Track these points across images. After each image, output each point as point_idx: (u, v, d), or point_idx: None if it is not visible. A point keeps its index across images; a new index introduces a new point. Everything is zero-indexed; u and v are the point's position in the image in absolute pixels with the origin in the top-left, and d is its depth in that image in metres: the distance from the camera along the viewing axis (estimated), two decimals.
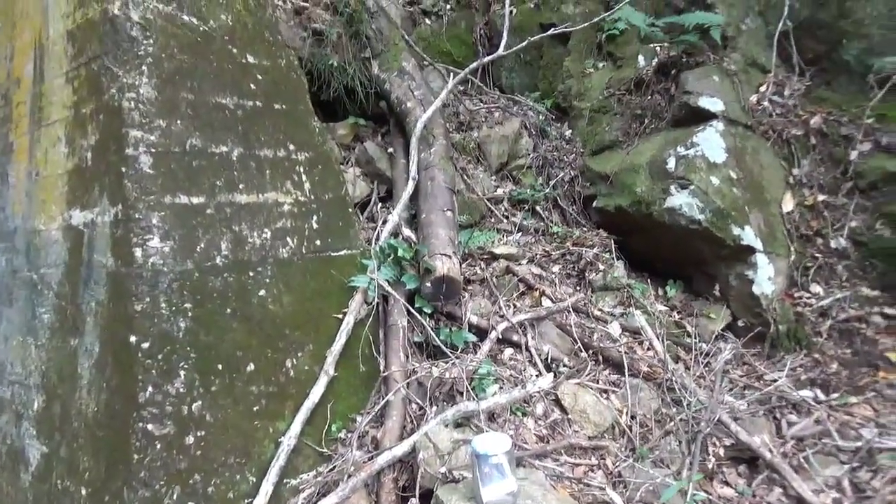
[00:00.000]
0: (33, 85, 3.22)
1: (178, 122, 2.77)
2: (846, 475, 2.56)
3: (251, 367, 2.64)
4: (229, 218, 2.78)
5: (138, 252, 2.47)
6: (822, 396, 3.06)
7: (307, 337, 2.87)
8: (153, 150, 2.63)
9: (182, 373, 2.42)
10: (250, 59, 3.21)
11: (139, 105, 2.67)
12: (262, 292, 2.78)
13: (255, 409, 2.60)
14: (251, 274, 2.77)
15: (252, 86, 3.15)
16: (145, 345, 2.38)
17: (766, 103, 3.96)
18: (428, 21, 5.91)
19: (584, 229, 4.14)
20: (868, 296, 3.44)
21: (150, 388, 2.34)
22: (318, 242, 3.09)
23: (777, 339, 3.38)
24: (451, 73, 4.52)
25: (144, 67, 2.75)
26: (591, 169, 4.31)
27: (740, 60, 4.13)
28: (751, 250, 3.50)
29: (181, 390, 2.40)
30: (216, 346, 2.55)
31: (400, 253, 3.17)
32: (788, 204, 3.73)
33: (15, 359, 3.04)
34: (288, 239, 2.97)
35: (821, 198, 3.71)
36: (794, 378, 3.17)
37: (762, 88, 4.05)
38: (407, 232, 3.46)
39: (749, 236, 3.49)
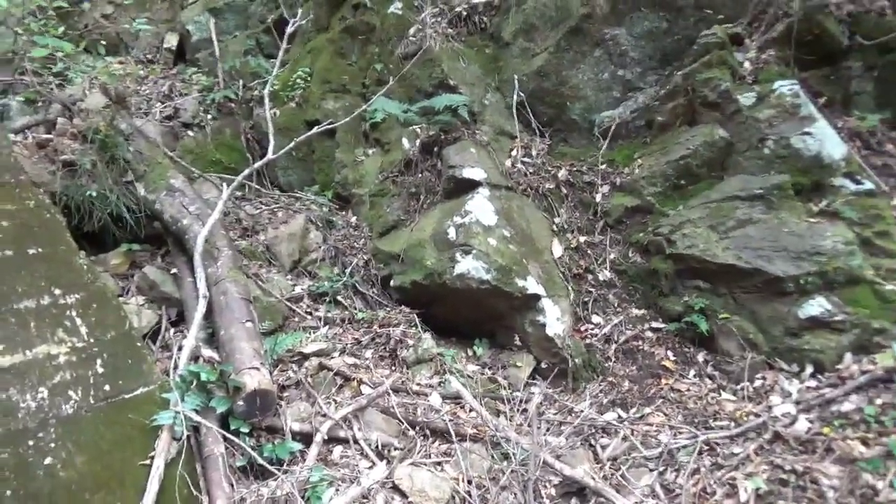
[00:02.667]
0: None
1: None
2: (656, 481, 2.86)
3: None
4: None
5: None
6: (623, 415, 3.41)
7: (113, 496, 2.57)
8: None
9: None
10: None
11: None
12: (47, 460, 2.45)
13: None
14: (31, 443, 2.44)
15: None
16: None
17: (519, 165, 4.45)
18: (191, 133, 5.80)
19: (388, 309, 4.24)
20: (637, 315, 3.94)
21: None
22: (107, 388, 2.81)
23: (577, 372, 3.72)
24: (225, 183, 4.46)
25: None
26: (381, 251, 4.47)
27: (490, 131, 4.63)
28: (536, 297, 3.84)
29: None
30: None
31: (203, 377, 3.00)
32: (558, 250, 4.18)
33: None
34: (70, 392, 2.67)
35: (582, 239, 4.22)
36: (598, 404, 3.50)
37: (513, 153, 4.55)
38: (208, 353, 3.28)
39: (532, 285, 3.84)
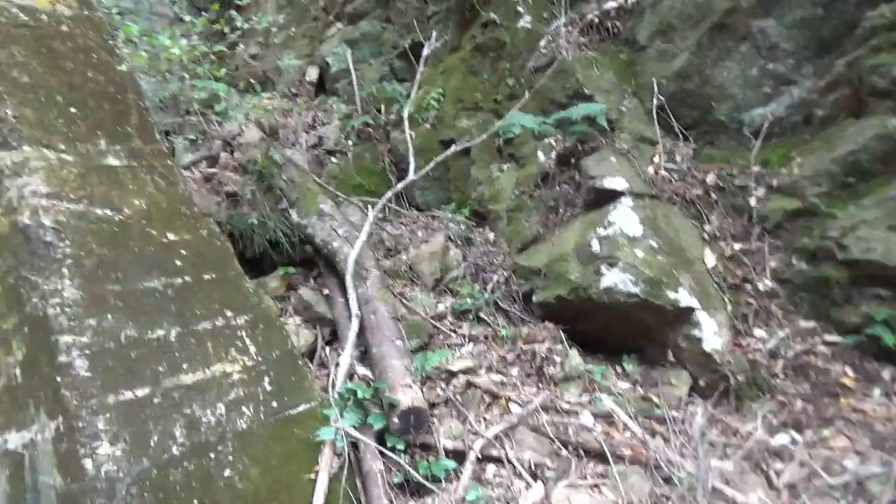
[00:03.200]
0: None
1: (109, 316, 2.70)
2: None
3: None
4: (179, 402, 2.68)
5: (88, 463, 2.33)
6: (798, 437, 3.12)
7: None
8: (87, 352, 2.54)
9: None
10: (171, 236, 3.22)
11: (65, 309, 2.61)
12: (227, 472, 2.64)
13: None
14: (212, 455, 2.63)
15: (178, 262, 3.14)
16: None
17: (662, 172, 4.26)
18: (334, 159, 6.12)
19: (532, 325, 4.20)
20: (807, 328, 3.61)
21: None
22: (274, 404, 2.99)
23: (740, 391, 3.46)
24: (369, 205, 4.65)
25: (64, 269, 2.71)
26: (521, 266, 4.44)
27: (629, 139, 4.47)
28: (690, 310, 3.64)
29: None
30: None
31: (360, 394, 3.11)
32: (710, 259, 3.94)
33: None
34: (244, 408, 2.86)
35: (737, 247, 3.95)
36: (767, 425, 3.23)
37: (655, 159, 4.37)
38: (362, 370, 3.41)
39: (685, 297, 3.64)
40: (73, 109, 3.32)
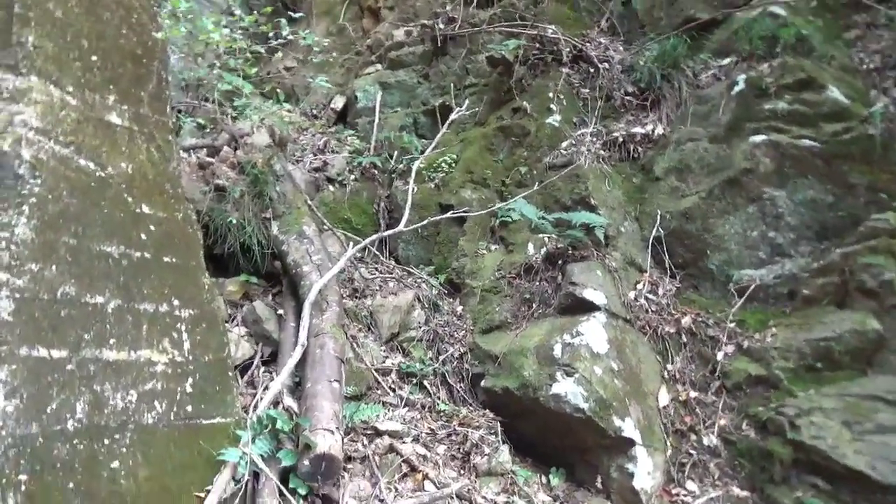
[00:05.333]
0: None
1: (54, 267, 2.58)
2: None
3: None
4: (92, 376, 2.52)
5: None
6: None
7: None
8: (17, 296, 2.40)
9: None
10: (146, 209, 3.12)
11: (11, 246, 2.48)
12: (114, 464, 2.46)
13: None
14: (106, 442, 2.47)
15: (143, 236, 3.03)
16: None
17: (642, 300, 4.27)
18: (331, 188, 6.09)
19: (472, 408, 4.09)
20: (739, 496, 3.53)
21: None
22: (189, 408, 2.84)
23: None
24: (351, 242, 4.59)
25: (26, 207, 2.60)
26: (480, 347, 4.36)
27: (620, 259, 4.50)
28: (631, 443, 3.56)
29: None
30: None
31: (279, 425, 2.97)
32: (664, 398, 3.90)
33: None
34: (156, 403, 2.71)
35: (693, 394, 3.92)
36: None
37: (639, 286, 4.39)
38: (289, 401, 3.27)
39: (629, 428, 3.57)
40: (94, 58, 3.27)
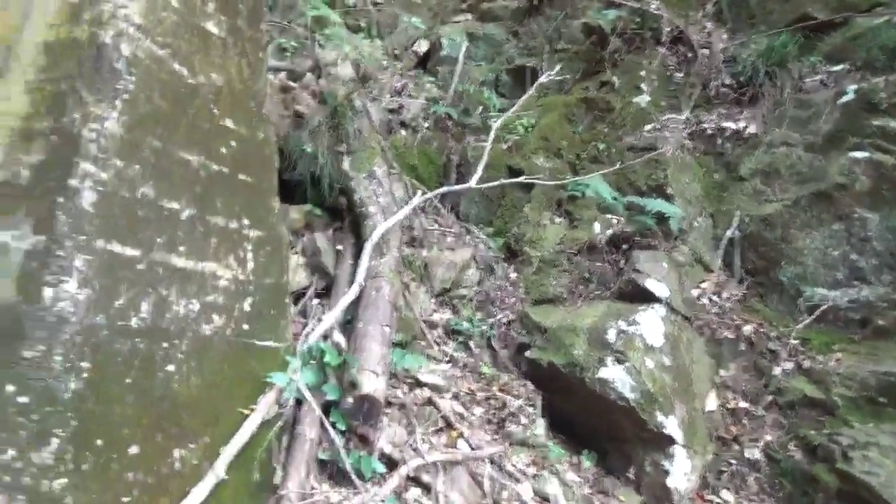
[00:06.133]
0: None
1: (136, 166, 2.59)
2: None
3: (135, 449, 2.32)
4: (159, 279, 2.55)
5: (48, 292, 2.20)
6: None
7: (205, 428, 2.58)
8: (100, 189, 2.42)
9: (55, 441, 2.08)
10: (229, 123, 3.10)
11: (100, 139, 2.49)
12: (170, 367, 2.50)
13: (124, 500, 2.25)
14: (164, 345, 2.50)
15: (223, 150, 3.03)
16: (23, 399, 2.05)
17: (705, 300, 4.13)
18: (403, 132, 6.02)
19: (513, 376, 4.05)
20: None
21: (11, 452, 1.99)
22: (245, 327, 2.86)
23: None
24: (419, 190, 4.54)
25: (118, 102, 2.59)
26: (530, 318, 4.30)
27: (688, 254, 4.35)
28: (671, 440, 3.49)
29: (48, 461, 2.05)
30: (102, 418, 2.23)
31: (327, 358, 2.98)
32: (712, 403, 3.79)
33: None
34: (215, 316, 2.73)
35: (742, 405, 3.80)
36: None
37: (703, 285, 4.24)
38: (338, 337, 3.28)
39: (672, 426, 3.49)
40: None
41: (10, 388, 2.06)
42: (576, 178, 4.83)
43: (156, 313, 2.50)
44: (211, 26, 3.18)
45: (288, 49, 5.61)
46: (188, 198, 2.78)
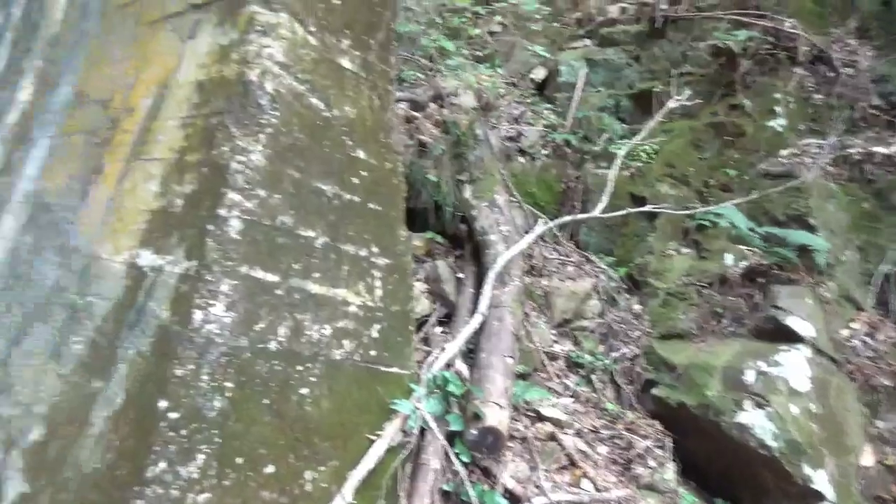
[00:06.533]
0: (145, 119, 3.23)
1: (277, 196, 2.71)
2: None
3: (270, 469, 2.39)
4: (295, 304, 2.64)
5: (198, 315, 2.33)
6: None
7: (335, 451, 2.62)
8: (245, 217, 2.56)
9: (201, 457, 2.18)
10: (360, 154, 3.20)
11: (246, 170, 2.63)
12: (304, 390, 2.57)
13: None
14: (299, 368, 2.58)
15: (354, 180, 3.12)
16: (173, 415, 2.17)
17: (856, 342, 3.77)
18: (521, 159, 6.00)
19: (639, 415, 3.87)
20: None
21: (162, 464, 2.11)
22: (372, 353, 2.90)
23: None
24: (542, 219, 4.49)
25: (262, 136, 2.73)
26: (656, 353, 4.11)
27: (836, 290, 4.00)
28: (819, 497, 3.18)
29: (194, 476, 2.15)
30: (242, 437, 2.32)
31: (450, 387, 2.97)
32: (868, 459, 3.43)
33: (29, 380, 2.84)
34: (345, 341, 2.79)
35: None
36: None
37: (854, 325, 3.88)
38: (461, 366, 3.26)
39: (821, 481, 3.18)
40: (335, 1, 3.37)
41: (162, 403, 2.19)
42: (707, 208, 4.59)
43: (292, 337, 2.58)
44: (345, 62, 3.31)
45: (410, 80, 5.78)
46: (322, 226, 2.87)
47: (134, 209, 2.94)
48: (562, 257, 4.98)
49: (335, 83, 3.21)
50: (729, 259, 4.47)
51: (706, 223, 4.78)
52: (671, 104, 5.40)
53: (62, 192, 3.44)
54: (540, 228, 4.17)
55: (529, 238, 3.96)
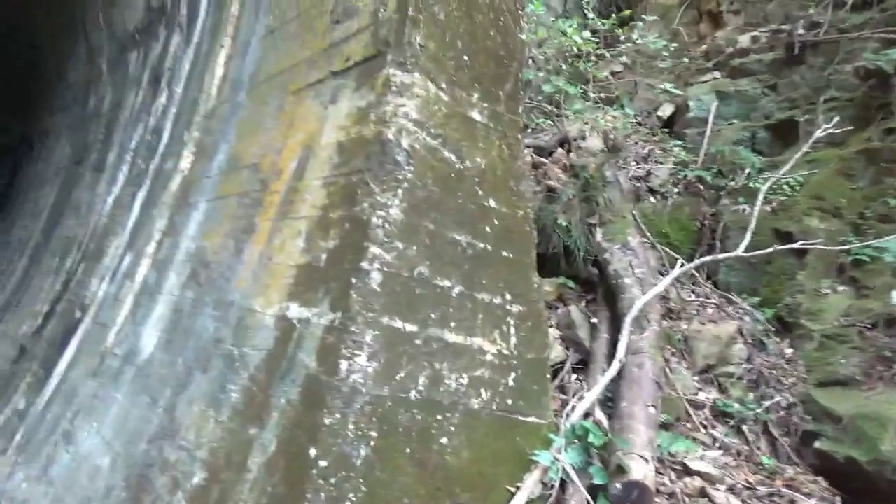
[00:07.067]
0: (291, 180, 3.47)
1: (414, 248, 2.80)
2: None
3: None
4: (433, 353, 2.69)
5: (343, 365, 2.43)
6: None
7: (475, 502, 2.61)
8: (385, 270, 2.66)
9: None
10: (492, 202, 3.24)
11: (386, 224, 2.74)
12: (444, 440, 2.60)
13: None
14: (439, 417, 2.61)
15: (487, 228, 3.16)
16: (323, 462, 2.26)
17: None
18: (652, 199, 5.82)
19: (799, 470, 3.53)
20: None
21: None
22: (509, 402, 2.89)
23: None
24: (680, 260, 4.31)
25: (399, 190, 2.85)
26: (815, 402, 3.75)
27: None
28: None
29: None
30: (387, 486, 2.37)
31: (591, 438, 2.87)
32: None
33: (192, 426, 3.08)
34: (482, 390, 2.80)
35: None
36: None
37: None
38: (600, 415, 3.16)
39: None
40: (465, 57, 3.48)
41: (313, 451, 2.28)
42: (867, 242, 4.21)
43: (431, 386, 2.62)
44: (475, 114, 3.40)
45: (535, 126, 5.83)
46: (457, 275, 2.93)
47: (283, 264, 3.14)
48: (701, 299, 4.73)
49: (466, 135, 3.29)
50: (895, 297, 4.05)
51: (865, 258, 4.38)
52: (819, 132, 5.03)
53: (219, 250, 3.75)
54: (678, 270, 4.00)
55: (667, 281, 3.81)
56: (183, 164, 4.84)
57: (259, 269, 3.33)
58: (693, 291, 4.92)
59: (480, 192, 3.21)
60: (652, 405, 3.14)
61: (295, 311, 2.85)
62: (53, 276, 6.63)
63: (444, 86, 3.29)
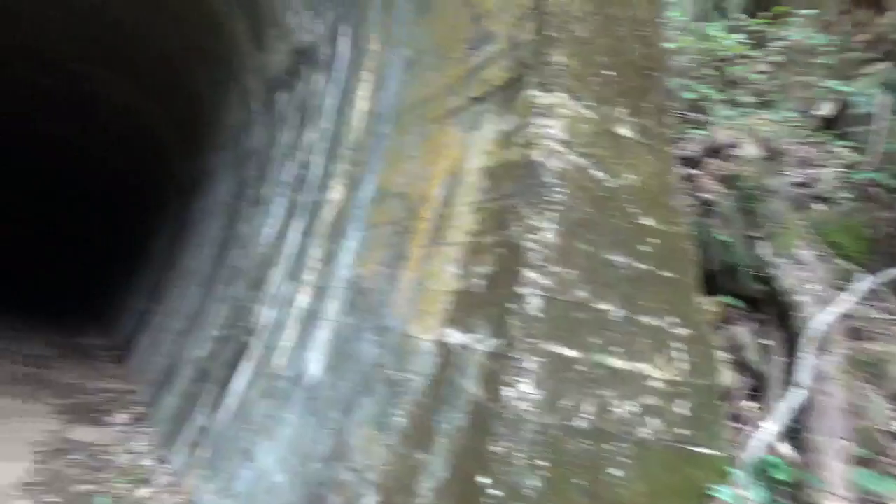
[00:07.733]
0: (440, 207, 3.52)
1: (571, 271, 2.73)
2: None
3: None
4: (597, 380, 2.59)
5: (507, 391, 2.40)
6: None
7: None
8: (543, 295, 2.61)
9: None
10: (647, 220, 3.10)
11: (540, 248, 2.70)
12: (614, 471, 2.48)
13: None
14: (607, 447, 2.50)
15: (644, 248, 3.02)
16: (495, 492, 2.23)
17: None
18: (818, 206, 5.32)
19: None
20: None
21: None
22: (680, 431, 2.71)
23: None
24: (862, 274, 3.88)
25: (551, 213, 2.80)
26: None
27: None
28: None
29: None
30: None
31: (776, 474, 2.62)
32: None
33: (360, 448, 3.17)
34: (651, 419, 2.65)
35: None
36: None
37: None
38: (785, 449, 2.88)
39: None
40: (608, 72, 3.39)
41: (483, 479, 2.26)
42: None
43: (598, 414, 2.52)
44: (622, 130, 3.29)
45: (681, 136, 5.54)
46: (617, 298, 2.81)
47: (437, 290, 3.18)
48: (892, 316, 4.22)
49: (615, 152, 3.19)
50: None
51: None
52: None
53: (374, 277, 3.88)
54: (864, 284, 3.60)
55: (852, 297, 3.43)
56: (334, 196, 5.09)
57: (414, 295, 3.40)
58: (877, 307, 4.41)
59: (634, 210, 3.09)
60: (844, 437, 2.82)
61: (454, 336, 2.87)
62: (222, 303, 7.21)
63: (588, 103, 3.22)
